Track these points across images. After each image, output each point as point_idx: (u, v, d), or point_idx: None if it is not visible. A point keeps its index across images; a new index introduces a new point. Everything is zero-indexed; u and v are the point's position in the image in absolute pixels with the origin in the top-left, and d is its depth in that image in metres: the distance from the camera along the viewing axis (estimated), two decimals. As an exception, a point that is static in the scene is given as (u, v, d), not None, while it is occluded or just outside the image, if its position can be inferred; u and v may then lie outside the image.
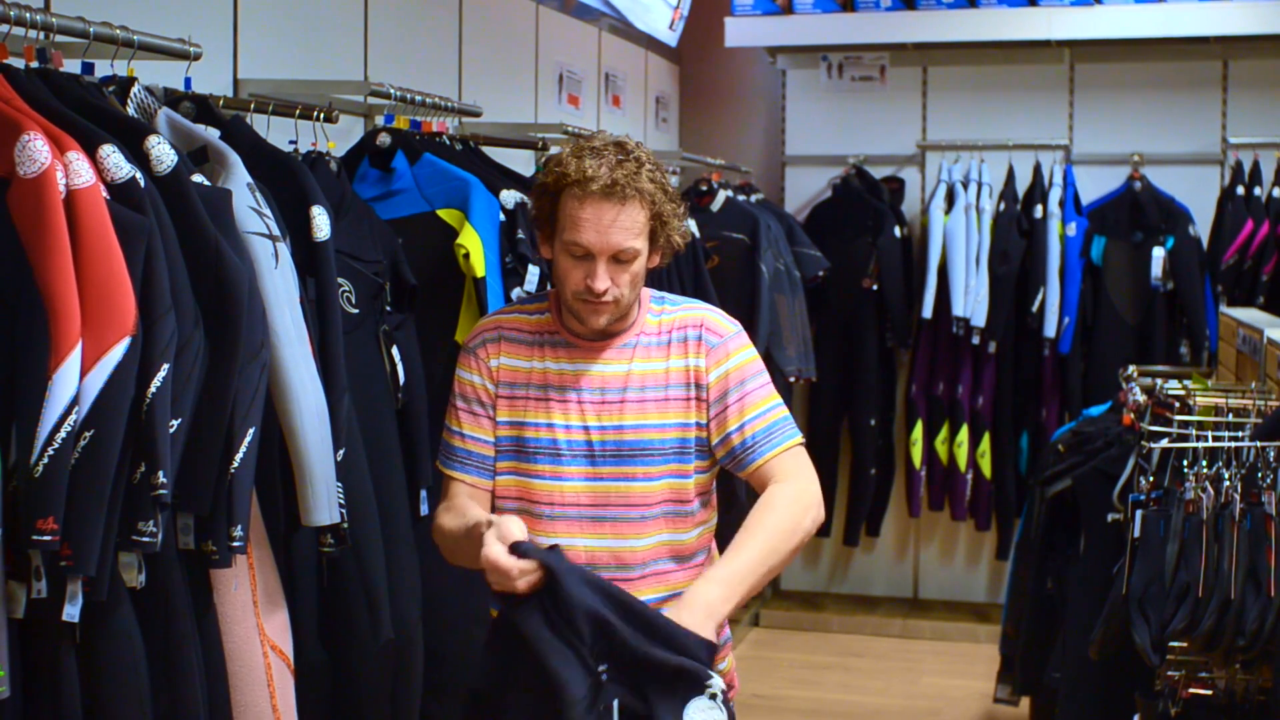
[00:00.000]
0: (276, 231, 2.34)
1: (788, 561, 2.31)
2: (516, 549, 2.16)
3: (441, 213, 3.18)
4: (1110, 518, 3.40)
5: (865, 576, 6.51)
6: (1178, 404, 3.36)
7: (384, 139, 3.24)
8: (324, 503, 2.38)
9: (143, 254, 2.00)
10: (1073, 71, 6.15)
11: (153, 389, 1.98)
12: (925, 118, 6.29)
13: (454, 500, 2.44)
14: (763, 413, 2.39)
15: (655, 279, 4.26)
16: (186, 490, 2.10)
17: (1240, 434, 3.12)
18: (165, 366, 2.00)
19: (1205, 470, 2.97)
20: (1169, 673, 2.96)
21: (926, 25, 5.92)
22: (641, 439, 2.39)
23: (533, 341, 2.45)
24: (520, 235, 3.18)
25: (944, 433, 6.04)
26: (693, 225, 4.66)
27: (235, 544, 2.16)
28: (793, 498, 2.34)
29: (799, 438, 2.42)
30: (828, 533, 6.33)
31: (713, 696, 2.10)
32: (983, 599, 6.32)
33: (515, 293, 3.13)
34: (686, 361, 2.40)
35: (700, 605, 2.19)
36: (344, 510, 2.46)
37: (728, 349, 2.41)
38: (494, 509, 2.45)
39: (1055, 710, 3.71)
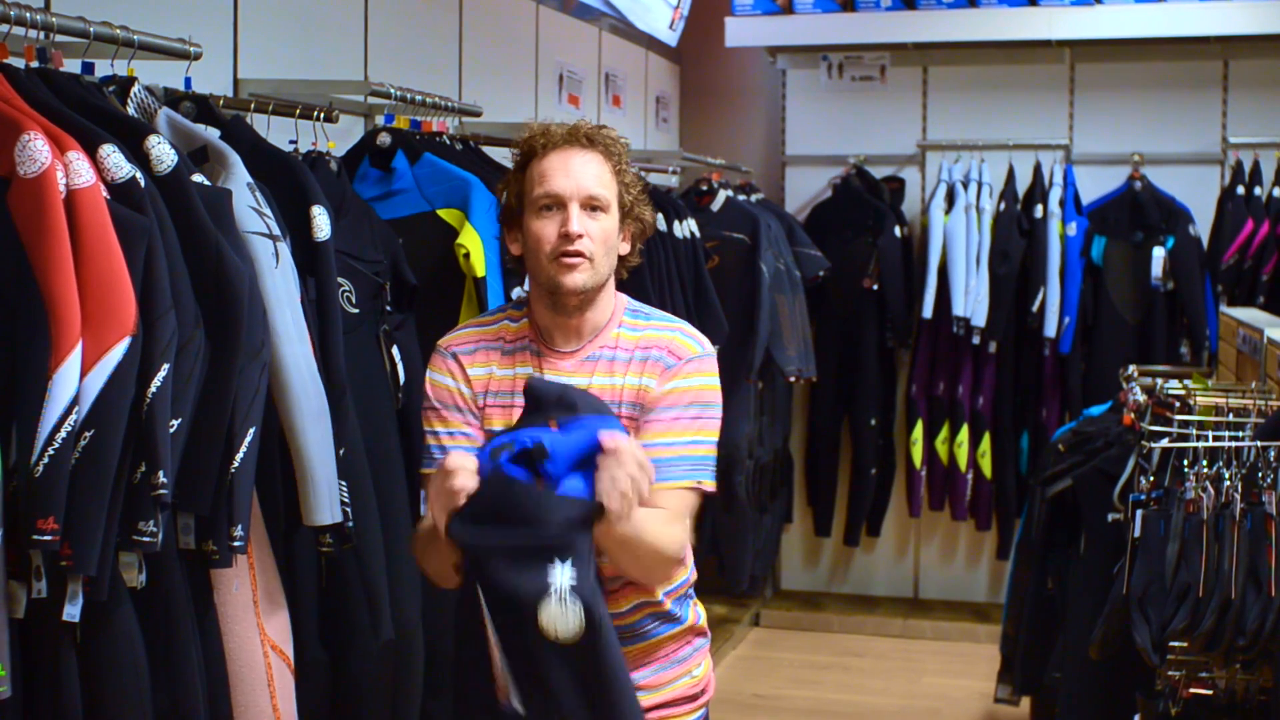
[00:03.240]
0: (277, 231, 2.34)
1: (631, 570, 2.22)
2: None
3: (442, 212, 3.18)
4: (1111, 517, 3.40)
5: (866, 576, 6.51)
6: (1178, 404, 3.35)
7: (384, 139, 3.24)
8: (325, 502, 2.38)
9: (143, 254, 2.00)
10: (1073, 71, 6.14)
11: (153, 389, 1.98)
12: (925, 117, 6.29)
13: None
14: (674, 443, 2.27)
15: (656, 279, 4.30)
16: (187, 490, 2.10)
17: (1241, 434, 3.13)
18: (165, 366, 2.00)
19: (1206, 470, 2.97)
20: (1169, 673, 2.96)
21: (927, 25, 5.91)
22: None
23: (512, 350, 2.37)
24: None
25: (944, 432, 6.04)
26: (693, 225, 4.66)
27: (236, 544, 2.16)
28: (659, 532, 2.20)
29: (696, 481, 2.28)
30: (829, 532, 6.32)
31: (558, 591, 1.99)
32: (983, 599, 6.31)
33: (515, 292, 3.13)
34: (641, 380, 2.32)
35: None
36: (347, 509, 2.46)
37: (680, 370, 2.32)
38: None
39: (1055, 710, 3.71)
